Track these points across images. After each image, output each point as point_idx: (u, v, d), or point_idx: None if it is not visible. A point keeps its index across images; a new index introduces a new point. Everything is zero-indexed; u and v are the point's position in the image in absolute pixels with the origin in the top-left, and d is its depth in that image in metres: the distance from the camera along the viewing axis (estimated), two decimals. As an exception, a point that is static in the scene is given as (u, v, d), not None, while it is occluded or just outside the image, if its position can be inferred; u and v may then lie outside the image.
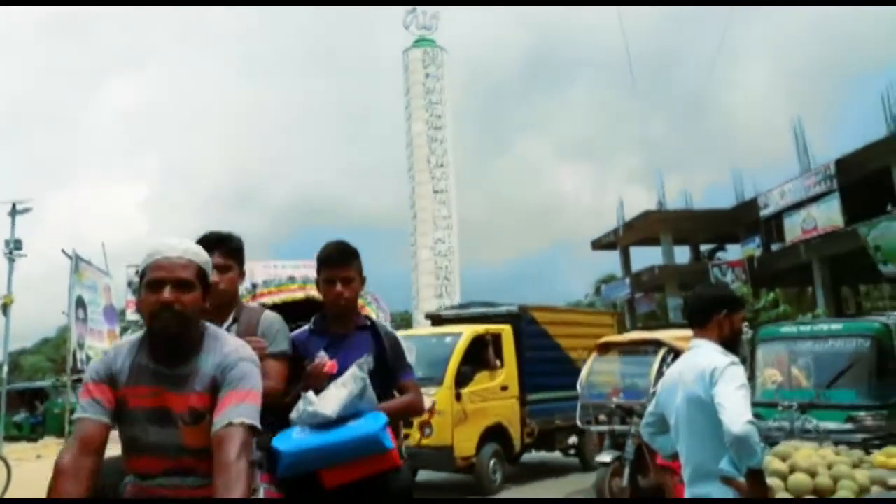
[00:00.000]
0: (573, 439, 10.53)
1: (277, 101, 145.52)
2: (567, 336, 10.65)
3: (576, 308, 12.35)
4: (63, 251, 19.19)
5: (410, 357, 3.04)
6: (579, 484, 9.21)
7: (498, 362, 9.46)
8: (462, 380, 8.89)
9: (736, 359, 2.79)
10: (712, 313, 2.92)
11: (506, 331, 9.79)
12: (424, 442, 8.51)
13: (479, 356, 9.32)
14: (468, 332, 9.39)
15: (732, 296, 3.11)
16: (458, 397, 8.75)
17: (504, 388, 9.44)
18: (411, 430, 8.27)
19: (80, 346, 19.19)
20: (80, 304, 19.48)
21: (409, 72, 22.92)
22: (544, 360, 10.17)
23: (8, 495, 8.88)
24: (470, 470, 8.80)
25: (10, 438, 17.77)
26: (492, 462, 8.88)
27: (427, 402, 7.92)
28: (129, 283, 46.92)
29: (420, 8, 23.49)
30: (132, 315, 45.07)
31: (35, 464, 14.12)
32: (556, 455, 10.79)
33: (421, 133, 22.23)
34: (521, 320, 10.20)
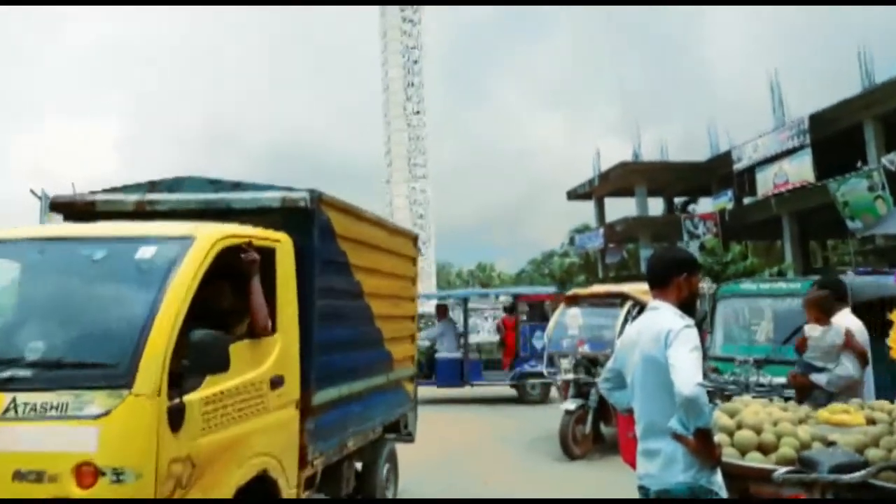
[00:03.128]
0: (358, 466, 5.68)
1: (253, 42, 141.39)
2: (367, 270, 5.40)
3: (378, 218, 5.88)
4: (32, 191, 18.82)
5: None
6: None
7: (269, 322, 3.98)
8: (191, 369, 3.27)
9: (691, 321, 2.88)
10: (672, 275, 3.00)
11: (283, 244, 4.28)
12: None
13: (221, 301, 3.98)
14: (206, 236, 3.72)
15: (691, 259, 3.19)
16: (176, 419, 3.13)
17: (277, 384, 3.97)
18: None
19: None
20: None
21: (386, 15, 22.36)
22: (342, 313, 4.95)
23: None
24: None
25: None
26: None
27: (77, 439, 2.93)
28: (100, 225, 46.12)
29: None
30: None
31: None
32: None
33: (397, 79, 21.85)
34: (312, 226, 4.50)
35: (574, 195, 39.86)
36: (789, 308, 6.41)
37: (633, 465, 3.02)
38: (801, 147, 24.57)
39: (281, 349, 3.98)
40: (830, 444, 3.12)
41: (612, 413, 7.65)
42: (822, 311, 4.69)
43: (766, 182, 26.63)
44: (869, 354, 4.58)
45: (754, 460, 3.01)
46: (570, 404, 8.08)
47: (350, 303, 5.18)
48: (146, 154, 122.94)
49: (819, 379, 4.49)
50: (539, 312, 13.44)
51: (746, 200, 29.82)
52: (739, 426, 3.22)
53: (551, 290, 14.45)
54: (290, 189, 4.54)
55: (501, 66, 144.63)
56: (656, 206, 39.50)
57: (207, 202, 4.53)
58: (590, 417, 8.07)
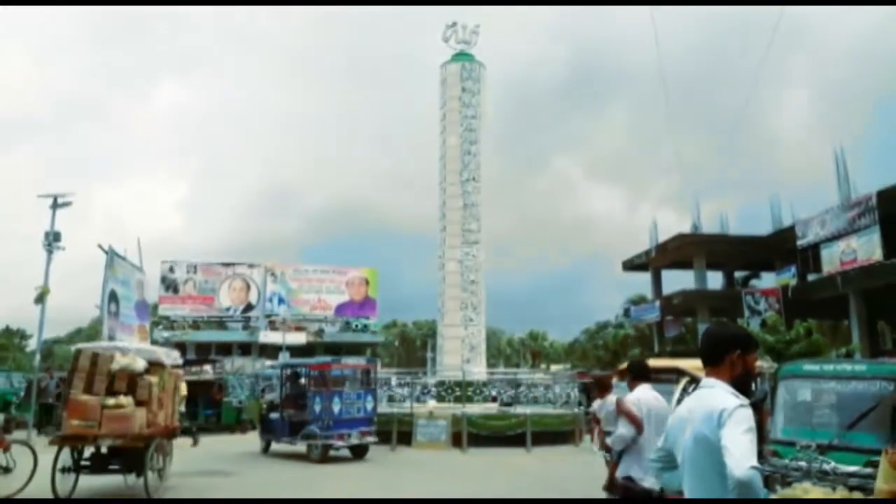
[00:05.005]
0: None
1: (317, 108, 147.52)
2: None
3: None
4: (99, 246, 19.73)
5: None
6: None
7: None
8: None
9: (746, 401, 2.78)
10: (725, 353, 2.91)
11: None
12: None
13: None
14: None
15: (747, 336, 3.08)
16: None
17: None
18: None
19: (111, 338, 19.66)
20: (114, 298, 19.99)
21: (447, 85, 22.95)
22: None
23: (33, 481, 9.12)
24: None
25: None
26: None
27: None
28: (163, 279, 47.89)
29: (460, 22, 23.55)
30: (165, 310, 45.95)
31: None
32: None
33: (455, 146, 22.23)
34: None
35: (630, 266, 39.36)
36: (854, 391, 6.10)
37: None
38: (870, 224, 23.88)
39: None
40: (900, 541, 2.91)
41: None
42: (601, 389, 6.71)
43: (833, 259, 25.86)
44: (642, 419, 5.09)
45: (815, 554, 2.83)
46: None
47: None
48: (209, 214, 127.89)
49: (608, 440, 5.51)
50: (321, 380, 14.71)
51: (811, 277, 28.90)
52: (799, 516, 3.04)
53: (328, 359, 16.16)
54: None
55: (560, 134, 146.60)
56: (715, 280, 38.60)
57: None
58: (641, 498, 7.72)
